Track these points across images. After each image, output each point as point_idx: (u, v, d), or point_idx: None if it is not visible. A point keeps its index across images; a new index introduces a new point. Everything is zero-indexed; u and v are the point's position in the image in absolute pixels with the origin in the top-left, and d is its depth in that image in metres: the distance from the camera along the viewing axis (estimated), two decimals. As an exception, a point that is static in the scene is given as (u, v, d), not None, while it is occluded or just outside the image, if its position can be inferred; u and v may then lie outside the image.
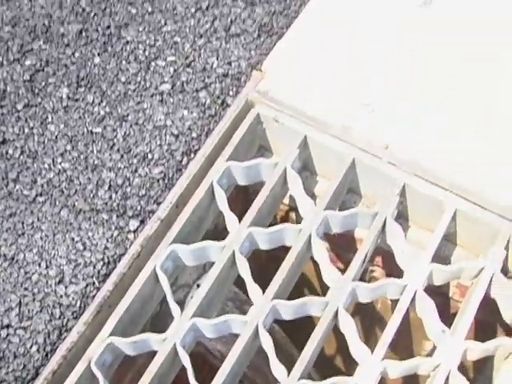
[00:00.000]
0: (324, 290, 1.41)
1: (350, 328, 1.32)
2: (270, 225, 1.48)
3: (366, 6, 1.65)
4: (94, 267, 1.36)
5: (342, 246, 1.62)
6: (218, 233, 1.54)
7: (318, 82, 1.54)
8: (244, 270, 1.38)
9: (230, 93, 1.53)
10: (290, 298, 1.44)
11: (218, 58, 1.57)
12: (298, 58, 1.58)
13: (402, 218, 1.50)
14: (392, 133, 1.49)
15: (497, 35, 1.59)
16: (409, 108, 1.53)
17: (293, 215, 1.66)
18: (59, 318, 1.32)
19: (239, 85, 1.54)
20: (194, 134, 1.49)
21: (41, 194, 1.43)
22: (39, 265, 1.36)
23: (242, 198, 1.65)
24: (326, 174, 1.53)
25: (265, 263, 1.65)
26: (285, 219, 1.68)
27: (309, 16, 1.64)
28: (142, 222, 1.41)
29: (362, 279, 1.49)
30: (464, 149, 1.48)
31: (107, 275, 1.36)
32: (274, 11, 1.63)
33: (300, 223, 1.43)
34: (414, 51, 1.59)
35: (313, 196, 1.55)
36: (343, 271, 1.43)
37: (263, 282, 1.38)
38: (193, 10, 1.63)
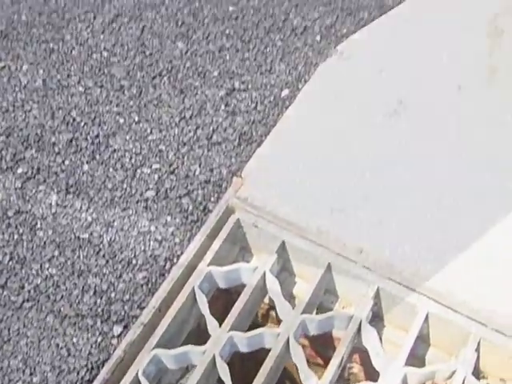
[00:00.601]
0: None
1: (328, 432, 1.36)
2: (251, 323, 1.53)
3: (341, 115, 1.76)
4: (78, 374, 1.39)
5: (321, 343, 1.67)
6: (201, 332, 1.58)
7: (294, 188, 1.63)
8: (224, 373, 1.42)
9: (212, 199, 1.61)
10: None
11: (200, 166, 1.66)
12: (276, 164, 1.67)
13: (377, 317, 1.55)
14: (366, 237, 1.56)
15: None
16: (382, 212, 1.61)
17: (273, 313, 1.71)
18: (42, 426, 1.34)
19: (220, 191, 1.62)
20: (177, 240, 1.56)
21: (28, 300, 1.48)
22: (23, 372, 1.39)
23: (224, 297, 1.70)
24: (304, 275, 1.60)
25: (246, 361, 1.68)
26: (265, 317, 1.73)
27: (286, 125, 1.74)
28: (126, 326, 1.46)
29: (341, 376, 1.53)
30: (435, 252, 1.55)
31: (90, 381, 1.39)
32: (253, 120, 1.74)
33: (279, 323, 1.49)
34: (387, 157, 1.69)
35: (291, 296, 1.61)
36: (323, 367, 1.46)
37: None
38: (177, 120, 1.73)
